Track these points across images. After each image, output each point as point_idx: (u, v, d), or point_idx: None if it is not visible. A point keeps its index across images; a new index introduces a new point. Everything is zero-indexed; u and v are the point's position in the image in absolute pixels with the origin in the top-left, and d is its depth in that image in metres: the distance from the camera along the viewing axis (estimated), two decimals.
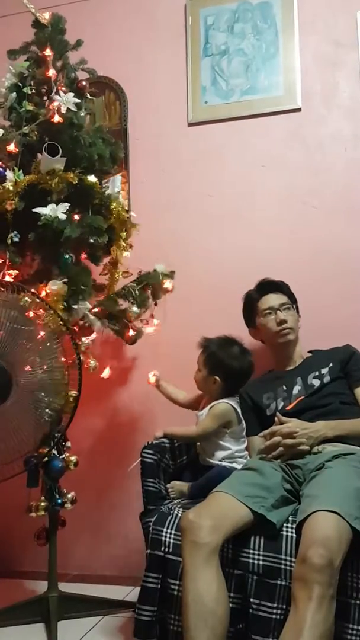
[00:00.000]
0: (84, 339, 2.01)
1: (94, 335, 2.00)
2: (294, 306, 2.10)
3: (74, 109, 1.96)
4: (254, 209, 2.46)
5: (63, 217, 1.84)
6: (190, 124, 2.56)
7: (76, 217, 1.94)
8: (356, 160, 2.38)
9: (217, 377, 1.95)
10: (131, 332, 2.11)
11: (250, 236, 2.45)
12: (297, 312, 2.11)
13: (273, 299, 2.07)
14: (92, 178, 1.97)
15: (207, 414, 1.94)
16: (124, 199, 2.18)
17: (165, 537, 1.64)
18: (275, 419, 1.82)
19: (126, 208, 2.17)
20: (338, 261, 2.35)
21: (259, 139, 2.49)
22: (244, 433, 1.98)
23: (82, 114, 2.06)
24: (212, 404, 1.95)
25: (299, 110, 2.45)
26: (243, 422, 1.97)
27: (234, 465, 1.89)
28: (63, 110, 1.94)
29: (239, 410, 1.96)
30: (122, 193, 2.15)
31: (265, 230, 2.44)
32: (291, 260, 2.38)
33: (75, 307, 1.94)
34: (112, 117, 2.61)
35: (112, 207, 2.03)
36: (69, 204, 1.89)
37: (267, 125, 2.48)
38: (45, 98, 2.06)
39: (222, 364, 1.95)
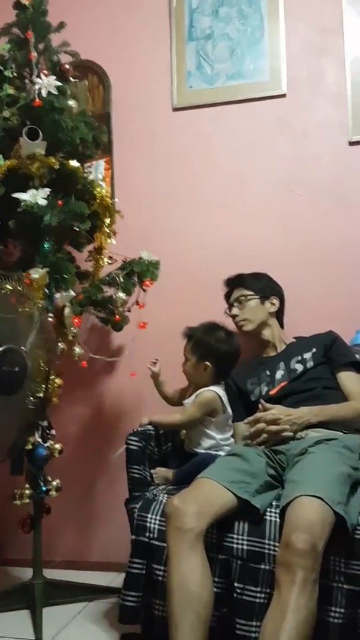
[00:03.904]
0: (72, 327, 2.00)
1: (69, 321, 1.97)
2: (259, 295, 2.10)
3: (55, 92, 1.93)
4: (241, 195, 2.45)
5: (43, 202, 1.81)
6: (175, 109, 2.53)
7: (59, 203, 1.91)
8: (342, 147, 2.38)
9: (207, 363, 1.94)
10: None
11: (237, 223, 2.44)
12: (266, 299, 2.11)
13: (232, 296, 2.16)
14: (74, 163, 1.95)
15: (193, 401, 1.93)
16: (107, 185, 2.16)
17: (150, 523, 1.65)
18: (260, 405, 1.83)
19: (110, 194, 2.14)
20: (325, 250, 2.35)
21: (245, 125, 2.47)
22: (230, 421, 1.98)
23: (70, 102, 2.02)
24: (197, 392, 1.94)
25: (284, 96, 2.44)
26: (229, 410, 1.97)
27: (220, 453, 1.89)
28: (44, 93, 1.91)
29: (225, 398, 1.96)
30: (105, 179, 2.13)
31: (251, 217, 2.43)
32: (277, 248, 2.38)
33: (57, 295, 1.92)
34: (95, 101, 2.57)
35: (96, 192, 2.00)
36: (50, 190, 1.86)
37: (253, 110, 2.46)
38: (26, 81, 2.03)
39: (211, 349, 1.94)
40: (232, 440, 1.97)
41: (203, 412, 1.90)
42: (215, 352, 1.94)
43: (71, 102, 2.01)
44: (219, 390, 1.95)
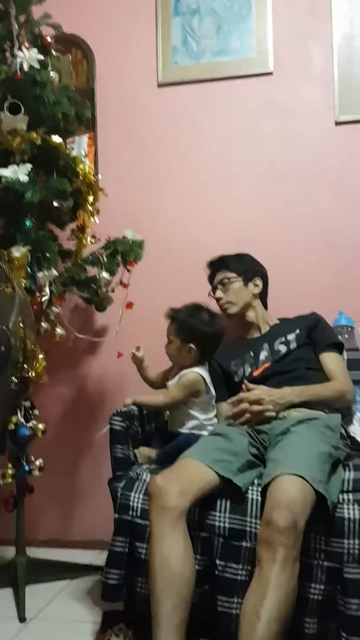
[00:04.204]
0: (53, 307, 1.98)
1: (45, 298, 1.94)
2: (242, 277, 2.09)
3: (37, 66, 1.88)
4: (226, 173, 2.43)
5: (25, 179, 1.78)
6: (160, 85, 2.49)
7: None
8: (328, 127, 2.36)
9: (191, 345, 1.93)
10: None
11: (222, 202, 2.42)
12: (249, 280, 2.10)
13: (215, 278, 2.14)
14: (56, 138, 1.91)
15: (176, 383, 1.93)
16: (90, 162, 2.12)
17: (133, 501, 1.66)
18: (243, 386, 1.84)
19: (93, 171, 2.11)
20: (310, 231, 2.35)
21: (231, 102, 2.44)
22: (213, 402, 1.99)
23: (52, 73, 1.97)
24: (181, 373, 1.94)
25: (270, 74, 2.41)
26: (212, 390, 1.97)
27: (203, 433, 1.90)
28: (26, 67, 1.86)
29: (208, 379, 1.96)
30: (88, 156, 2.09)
31: (236, 196, 2.42)
32: (262, 228, 2.37)
33: (40, 274, 1.89)
34: (79, 75, 2.52)
35: (79, 169, 1.97)
36: (32, 166, 1.82)
37: (239, 88, 2.44)
38: (7, 54, 1.97)
39: (196, 331, 1.93)
40: (215, 420, 1.97)
41: (186, 394, 1.90)
42: (200, 334, 1.93)
43: (52, 74, 1.96)
44: (202, 371, 1.94)
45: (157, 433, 2.03)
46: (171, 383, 1.97)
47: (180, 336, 1.94)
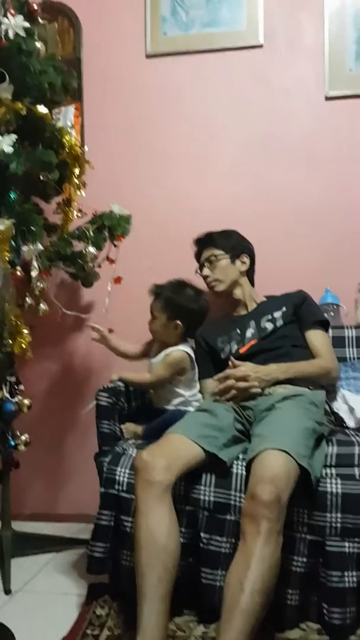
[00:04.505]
0: (38, 282, 1.95)
1: (35, 274, 1.91)
2: (230, 254, 2.08)
3: (22, 33, 1.83)
4: (214, 147, 2.41)
5: (9, 150, 1.74)
6: (149, 56, 2.45)
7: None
8: (318, 102, 2.34)
9: (178, 322, 1.93)
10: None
11: (209, 177, 2.40)
12: (237, 257, 2.09)
13: (202, 256, 2.14)
14: (42, 109, 1.86)
15: (162, 361, 1.93)
16: (76, 133, 2.08)
17: (119, 476, 1.67)
18: (229, 362, 1.84)
19: (79, 142, 2.07)
20: (297, 206, 2.34)
21: (220, 75, 2.41)
22: (197, 377, 1.99)
23: (38, 44, 1.92)
24: (166, 351, 1.93)
25: (260, 47, 2.37)
26: (196, 367, 1.97)
27: (189, 409, 1.90)
28: (11, 35, 1.81)
29: (193, 356, 1.96)
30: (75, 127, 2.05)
31: (224, 171, 2.40)
32: (249, 204, 2.36)
33: (24, 248, 1.86)
34: (65, 45, 2.46)
35: (65, 140, 1.93)
36: (17, 136, 1.78)
37: (228, 60, 2.40)
38: None
39: (182, 308, 1.93)
40: (199, 396, 1.98)
41: (172, 372, 1.91)
42: (186, 310, 1.93)
43: (39, 44, 1.90)
44: (187, 348, 1.95)
45: (143, 409, 2.04)
46: (156, 361, 1.96)
47: (166, 313, 1.94)
